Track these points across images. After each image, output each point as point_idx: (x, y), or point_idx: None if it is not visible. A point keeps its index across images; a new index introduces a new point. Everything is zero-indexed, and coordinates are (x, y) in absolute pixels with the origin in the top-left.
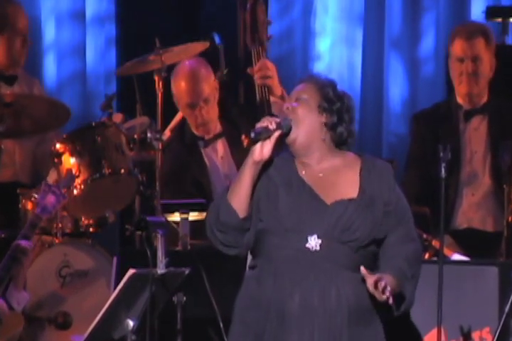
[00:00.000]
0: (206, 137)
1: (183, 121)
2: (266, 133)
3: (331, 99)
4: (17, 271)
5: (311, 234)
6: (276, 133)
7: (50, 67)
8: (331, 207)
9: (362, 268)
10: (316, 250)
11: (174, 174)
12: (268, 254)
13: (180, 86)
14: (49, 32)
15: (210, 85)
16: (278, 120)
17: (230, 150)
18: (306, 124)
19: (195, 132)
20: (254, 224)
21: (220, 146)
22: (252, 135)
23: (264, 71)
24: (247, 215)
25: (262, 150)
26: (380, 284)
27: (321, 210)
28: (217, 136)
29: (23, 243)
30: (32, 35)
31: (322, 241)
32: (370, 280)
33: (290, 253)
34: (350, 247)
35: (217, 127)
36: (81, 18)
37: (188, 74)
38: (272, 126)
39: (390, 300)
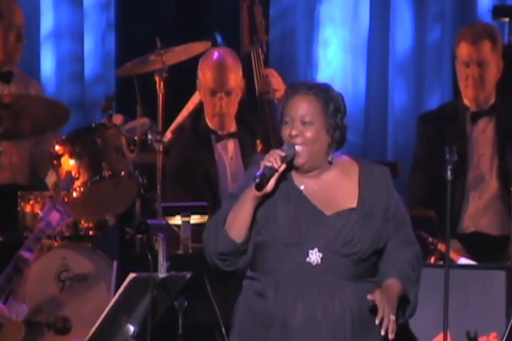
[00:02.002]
0: (219, 132)
1: (198, 112)
2: (271, 172)
3: (335, 114)
4: (18, 283)
5: (312, 248)
6: (282, 168)
7: (48, 54)
8: (331, 219)
9: (369, 296)
10: (317, 264)
11: (184, 162)
12: (268, 268)
13: (206, 73)
14: (47, 17)
15: (236, 78)
16: (283, 154)
17: (241, 152)
18: (316, 149)
19: (209, 124)
20: (253, 237)
21: (232, 146)
22: (258, 180)
23: (267, 87)
24: (245, 239)
25: (255, 180)
26: (385, 324)
27: (321, 223)
28: (230, 135)
29: (26, 254)
30: (30, 21)
31: (323, 254)
32: (377, 318)
33: (291, 268)
34: (351, 260)
35: (232, 126)
36: (79, 4)
37: (216, 63)
38: (277, 164)
39: (391, 336)
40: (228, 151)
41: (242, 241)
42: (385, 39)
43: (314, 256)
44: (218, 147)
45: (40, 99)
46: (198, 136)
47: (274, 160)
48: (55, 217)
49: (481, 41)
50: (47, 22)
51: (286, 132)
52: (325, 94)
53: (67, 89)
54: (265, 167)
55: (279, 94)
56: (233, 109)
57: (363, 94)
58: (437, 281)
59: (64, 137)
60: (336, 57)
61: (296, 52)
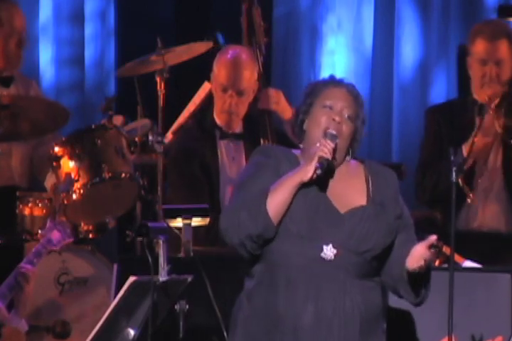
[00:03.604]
0: (224, 129)
1: (204, 107)
2: (327, 162)
3: (362, 122)
4: (18, 297)
5: (327, 244)
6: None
7: (48, 42)
8: (346, 216)
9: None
10: (330, 259)
11: (184, 152)
12: (277, 261)
13: (220, 68)
14: (46, 3)
15: (250, 78)
16: (333, 145)
17: (245, 154)
18: (345, 146)
19: (216, 120)
20: None
21: (235, 147)
22: (320, 171)
23: (266, 101)
24: (277, 226)
25: (315, 171)
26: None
27: (336, 219)
28: (236, 136)
29: (27, 267)
30: (29, 7)
31: (337, 251)
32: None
33: (303, 262)
34: (364, 258)
35: (238, 126)
36: None
37: (230, 60)
38: (331, 155)
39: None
40: (231, 151)
41: (277, 227)
42: (389, 45)
43: (329, 252)
44: (221, 144)
45: (40, 100)
46: (203, 130)
47: (328, 151)
48: (55, 236)
49: (499, 39)
50: (46, 7)
51: (324, 116)
52: (361, 100)
53: (67, 74)
54: (321, 157)
55: (276, 107)
56: (242, 109)
57: (366, 97)
58: (442, 284)
59: (63, 138)
60: (339, 65)
61: (300, 60)
